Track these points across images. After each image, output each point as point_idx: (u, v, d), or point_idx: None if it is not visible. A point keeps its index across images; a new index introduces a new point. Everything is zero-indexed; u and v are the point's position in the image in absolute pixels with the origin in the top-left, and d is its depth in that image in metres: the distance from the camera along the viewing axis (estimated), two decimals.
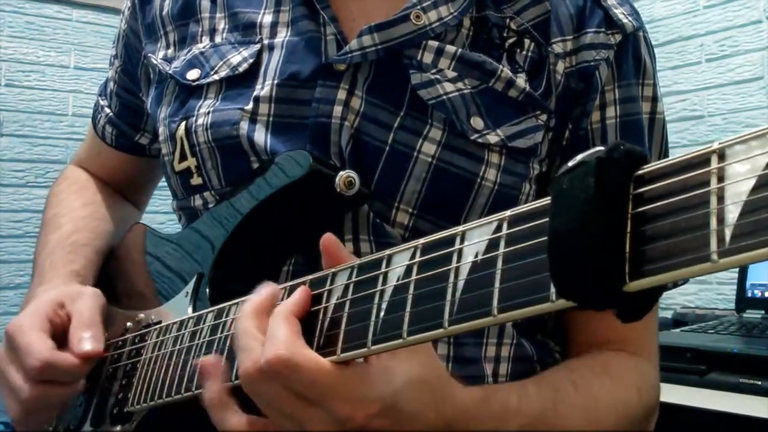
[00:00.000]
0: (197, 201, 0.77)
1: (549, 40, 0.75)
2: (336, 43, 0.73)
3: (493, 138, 0.71)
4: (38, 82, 2.24)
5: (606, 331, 0.73)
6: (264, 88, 0.73)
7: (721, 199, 0.32)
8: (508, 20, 0.76)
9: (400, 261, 0.49)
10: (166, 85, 0.80)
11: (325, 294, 0.54)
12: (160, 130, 0.80)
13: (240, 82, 0.75)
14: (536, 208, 0.41)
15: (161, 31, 0.84)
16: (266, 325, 0.53)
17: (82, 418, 0.78)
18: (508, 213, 0.43)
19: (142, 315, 0.79)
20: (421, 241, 0.48)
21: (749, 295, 1.90)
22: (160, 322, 0.74)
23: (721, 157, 0.33)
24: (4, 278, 2.17)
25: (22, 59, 2.22)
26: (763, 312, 1.87)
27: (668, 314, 2.06)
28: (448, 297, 0.44)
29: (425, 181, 0.70)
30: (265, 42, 0.76)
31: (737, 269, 1.93)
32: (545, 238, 0.38)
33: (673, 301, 2.17)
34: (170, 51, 0.82)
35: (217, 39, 0.79)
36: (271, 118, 0.72)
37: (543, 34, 0.75)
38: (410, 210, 0.71)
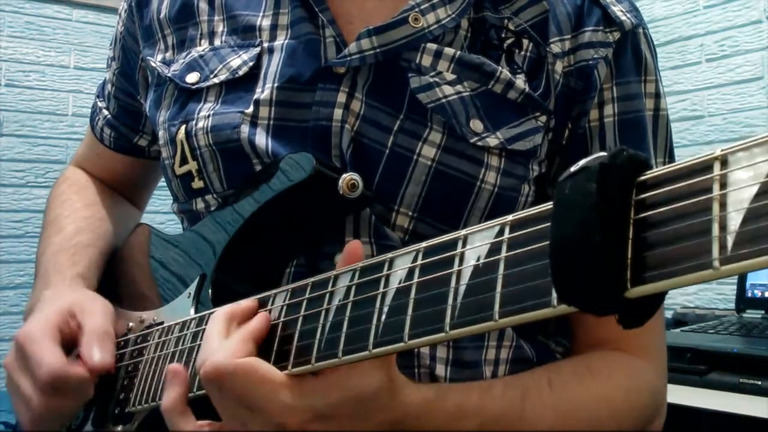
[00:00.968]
0: (199, 204, 0.77)
1: (547, 39, 0.74)
2: (335, 45, 0.73)
3: (492, 141, 0.71)
4: (38, 82, 2.24)
5: (606, 330, 0.73)
6: (264, 91, 0.73)
7: (723, 206, 0.32)
8: (506, 21, 0.75)
9: (401, 264, 0.49)
10: (165, 89, 0.80)
11: (327, 296, 0.54)
12: (160, 133, 0.80)
13: (240, 85, 0.75)
14: (538, 212, 0.41)
15: (159, 33, 0.84)
16: (230, 332, 0.57)
17: (83, 418, 0.78)
18: (510, 217, 0.43)
19: (144, 315, 0.79)
20: (423, 244, 0.48)
21: (749, 295, 1.90)
22: (162, 323, 0.74)
23: (724, 163, 0.33)
24: (4, 278, 2.17)
25: (22, 59, 2.22)
26: (763, 312, 1.87)
27: (668, 314, 2.06)
28: (450, 301, 0.44)
29: (425, 184, 0.70)
30: (265, 45, 0.76)
31: None
32: (547, 242, 0.38)
33: (673, 301, 2.17)
34: (168, 54, 0.82)
35: (216, 42, 0.79)
36: (271, 122, 0.72)
37: (541, 34, 0.75)
38: (410, 213, 0.71)
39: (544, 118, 0.73)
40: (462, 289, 0.44)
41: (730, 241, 0.31)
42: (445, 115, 0.71)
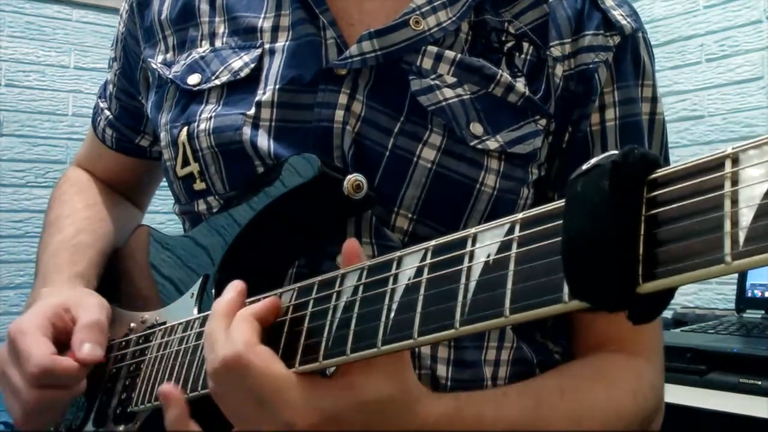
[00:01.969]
0: (201, 206, 0.77)
1: (547, 43, 0.75)
2: (336, 47, 0.73)
3: (492, 144, 0.71)
4: (38, 82, 2.24)
5: (606, 331, 0.73)
6: (266, 92, 0.73)
7: (735, 202, 0.32)
8: (506, 24, 0.76)
9: (410, 263, 0.49)
10: (166, 90, 0.80)
11: (334, 295, 0.54)
12: (162, 135, 0.80)
13: (241, 86, 0.75)
14: (548, 210, 0.42)
15: (160, 35, 0.84)
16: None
17: (84, 418, 0.78)
18: (520, 215, 0.43)
19: (146, 316, 0.79)
20: (432, 243, 0.48)
21: (749, 295, 1.90)
22: (164, 323, 0.74)
23: (735, 161, 0.33)
24: (4, 278, 2.17)
25: (22, 59, 2.22)
26: (763, 312, 1.87)
27: (668, 314, 2.06)
28: (460, 298, 0.44)
29: (425, 186, 0.70)
30: (266, 46, 0.76)
31: None
32: (558, 239, 0.39)
33: (673, 301, 2.16)
34: (169, 55, 0.82)
35: (218, 43, 0.79)
36: (273, 123, 0.72)
37: (541, 38, 0.75)
38: (409, 215, 0.71)
39: (544, 122, 0.74)
40: (472, 285, 0.44)
41: (741, 236, 0.32)
42: (446, 117, 0.71)
